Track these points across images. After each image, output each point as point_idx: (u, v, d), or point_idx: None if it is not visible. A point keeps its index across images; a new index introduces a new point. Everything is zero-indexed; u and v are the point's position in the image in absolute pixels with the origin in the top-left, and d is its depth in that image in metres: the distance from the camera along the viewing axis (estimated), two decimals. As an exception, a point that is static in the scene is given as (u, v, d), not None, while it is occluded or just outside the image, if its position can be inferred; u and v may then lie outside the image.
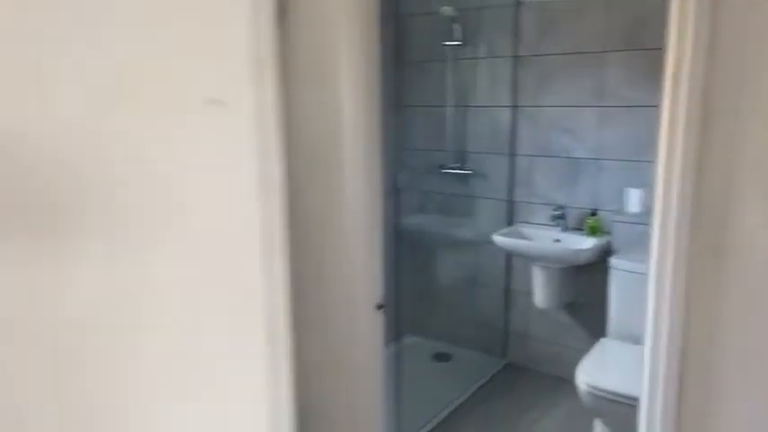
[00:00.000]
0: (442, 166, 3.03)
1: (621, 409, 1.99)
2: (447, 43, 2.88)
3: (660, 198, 1.13)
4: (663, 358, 1.23)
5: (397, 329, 2.89)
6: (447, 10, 2.84)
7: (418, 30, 3.03)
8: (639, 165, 2.51)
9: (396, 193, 2.95)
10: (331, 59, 1.46)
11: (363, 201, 1.49)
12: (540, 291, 2.72)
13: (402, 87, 3.10)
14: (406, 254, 3.19)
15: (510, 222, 2.90)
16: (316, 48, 1.49)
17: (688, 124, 1.05)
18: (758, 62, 1.03)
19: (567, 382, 2.29)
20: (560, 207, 2.72)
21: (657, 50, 2.38)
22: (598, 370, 2.19)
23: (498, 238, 2.68)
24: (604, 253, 2.54)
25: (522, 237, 2.75)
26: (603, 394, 2.05)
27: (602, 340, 2.45)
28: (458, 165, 2.99)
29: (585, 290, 2.72)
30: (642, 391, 1.32)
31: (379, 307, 1.56)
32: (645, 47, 2.40)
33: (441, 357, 3.11)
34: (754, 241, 1.05)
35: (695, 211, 1.08)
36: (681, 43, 1.10)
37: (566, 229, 2.71)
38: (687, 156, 1.06)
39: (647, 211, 2.47)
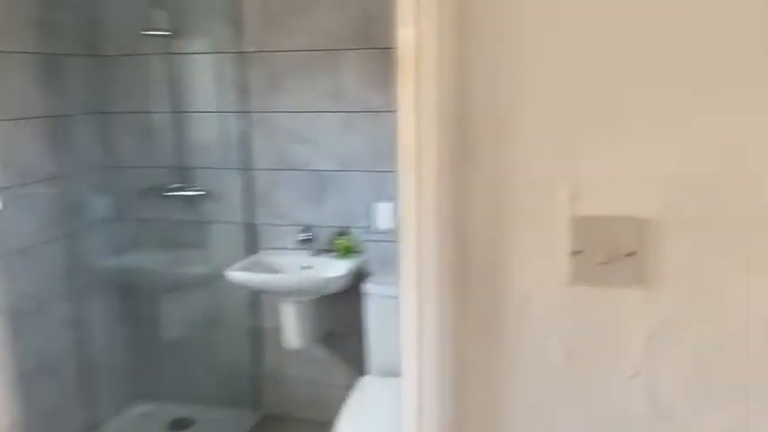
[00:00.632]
0: (163, 188, 2.42)
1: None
2: (150, 32, 2.28)
3: (412, 242, 0.77)
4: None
5: (103, 405, 2.21)
6: (145, -10, 2.24)
7: (116, 15, 2.36)
8: (387, 176, 2.25)
9: (89, 229, 2.24)
10: None
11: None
12: (291, 329, 2.30)
13: (100, 87, 2.40)
14: (122, 303, 2.50)
15: (253, 249, 2.43)
16: None
17: (440, 151, 0.70)
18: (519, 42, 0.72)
19: (332, 426, 1.92)
20: (308, 228, 2.36)
21: (393, 50, 2.18)
22: (362, 425, 1.86)
23: (234, 275, 2.18)
24: (359, 276, 2.25)
25: (267, 267, 2.31)
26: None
27: (363, 380, 2.14)
28: (182, 185, 2.42)
29: (342, 318, 2.40)
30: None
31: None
32: (379, 45, 2.15)
33: (179, 425, 2.50)
34: (530, 303, 0.76)
35: (458, 274, 0.75)
36: (418, 29, 0.75)
37: (317, 252, 2.36)
38: (442, 190, 0.72)
39: (398, 227, 2.23)
